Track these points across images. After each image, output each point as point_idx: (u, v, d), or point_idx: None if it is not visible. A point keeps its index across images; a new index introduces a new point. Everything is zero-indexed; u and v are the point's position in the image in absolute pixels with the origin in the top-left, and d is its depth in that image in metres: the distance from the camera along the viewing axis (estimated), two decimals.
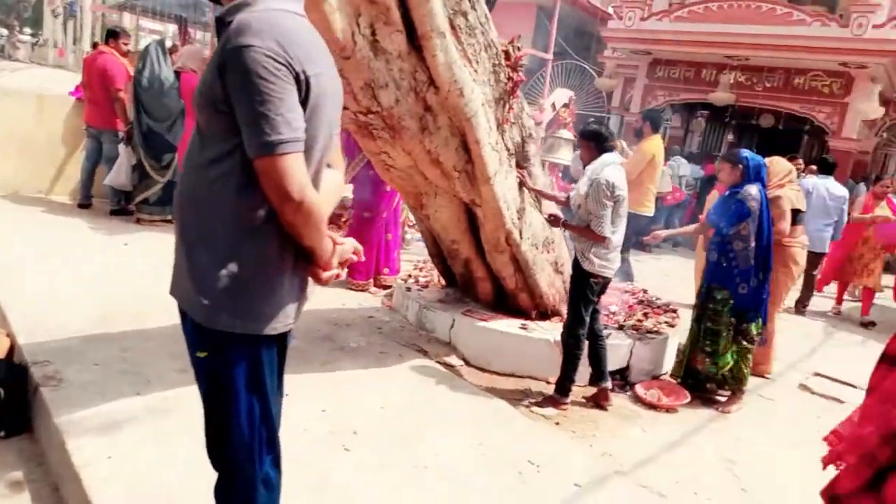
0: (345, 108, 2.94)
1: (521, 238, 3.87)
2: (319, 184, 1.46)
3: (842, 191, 6.53)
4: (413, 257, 5.86)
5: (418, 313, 4.24)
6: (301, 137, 1.29)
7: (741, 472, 3.03)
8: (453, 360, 3.76)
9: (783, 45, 10.63)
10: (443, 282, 4.62)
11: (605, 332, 3.66)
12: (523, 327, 3.91)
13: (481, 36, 3.31)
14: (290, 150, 1.26)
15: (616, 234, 3.39)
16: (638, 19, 11.82)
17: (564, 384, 3.43)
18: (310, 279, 1.53)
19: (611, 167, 3.34)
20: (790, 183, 4.33)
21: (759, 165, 3.85)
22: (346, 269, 1.73)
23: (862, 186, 11.84)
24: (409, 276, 4.91)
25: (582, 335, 3.41)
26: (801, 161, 8.01)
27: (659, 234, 4.55)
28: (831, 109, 11.21)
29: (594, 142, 3.47)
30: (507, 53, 3.60)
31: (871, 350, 5.42)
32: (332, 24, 2.47)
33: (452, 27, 3.06)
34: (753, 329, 3.83)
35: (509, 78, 3.63)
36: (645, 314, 4.54)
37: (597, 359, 3.52)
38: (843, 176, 10.79)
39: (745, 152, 3.91)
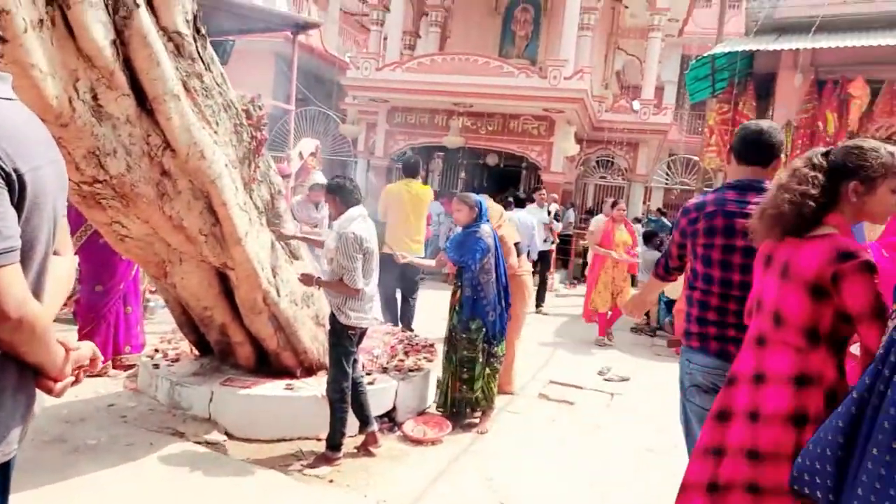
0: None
1: (280, 296, 3.81)
2: (44, 286, 1.31)
3: (530, 220, 7.83)
4: (160, 328, 5.37)
5: (170, 391, 3.86)
6: (15, 246, 1.14)
7: (498, 485, 3.32)
8: (215, 436, 3.50)
9: (498, 93, 12.15)
10: (196, 352, 4.28)
11: (366, 378, 3.77)
12: (289, 387, 3.83)
13: (219, 97, 3.24)
14: (1, 262, 1.12)
15: (369, 285, 3.53)
16: (373, 69, 12.53)
17: (335, 439, 3.44)
18: (39, 391, 1.34)
19: (358, 221, 3.47)
20: (505, 222, 4.97)
21: (486, 208, 4.39)
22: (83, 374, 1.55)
23: (571, 212, 14.01)
24: (156, 350, 4.44)
25: (346, 388, 3.45)
26: (544, 192, 9.72)
27: (406, 256, 4.71)
28: (541, 148, 13.08)
29: (339, 196, 3.57)
30: (248, 112, 3.56)
31: (593, 356, 6.43)
32: (43, 90, 2.21)
33: (187, 89, 2.94)
34: (500, 351, 4.31)
35: (253, 137, 3.60)
36: (406, 353, 4.78)
37: (359, 405, 3.59)
38: (558, 202, 12.64)
39: (478, 196, 4.40)
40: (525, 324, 5.22)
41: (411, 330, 5.83)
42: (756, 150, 2.41)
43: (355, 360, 3.59)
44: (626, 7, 16.68)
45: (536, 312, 7.95)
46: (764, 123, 2.46)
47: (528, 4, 15.19)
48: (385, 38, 14.78)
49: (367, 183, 13.18)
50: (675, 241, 2.58)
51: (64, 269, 1.44)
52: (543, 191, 9.99)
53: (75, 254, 4.39)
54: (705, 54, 8.91)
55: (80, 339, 4.16)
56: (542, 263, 9.07)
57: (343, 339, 3.44)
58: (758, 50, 7.96)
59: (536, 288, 8.23)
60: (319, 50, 15.24)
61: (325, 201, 3.89)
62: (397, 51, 13.78)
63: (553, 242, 9.78)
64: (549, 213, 9.67)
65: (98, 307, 4.37)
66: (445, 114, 13.19)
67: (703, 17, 19.97)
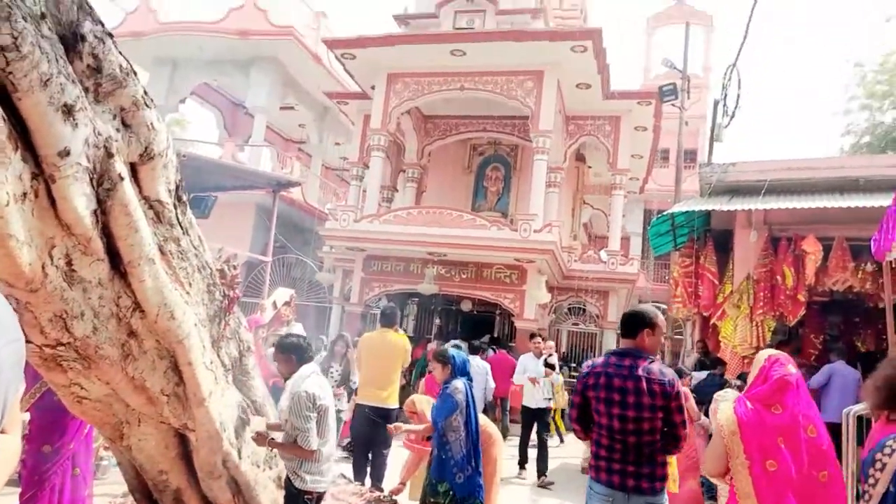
0: (28, 341, 2.61)
1: (241, 458, 3.64)
2: None
3: (482, 366, 8.57)
4: (112, 489, 5.02)
5: None
6: None
7: None
8: None
9: (471, 244, 12.61)
10: None
11: None
12: None
13: (195, 259, 3.31)
14: None
15: (326, 446, 3.40)
16: (352, 220, 13.01)
17: None
18: None
19: (311, 378, 3.42)
20: None
21: (465, 361, 4.33)
22: None
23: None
24: None
25: None
26: (539, 341, 9.21)
27: (399, 426, 4.64)
28: (513, 296, 13.33)
29: (294, 354, 3.53)
30: (222, 272, 3.64)
31: None
32: (17, 258, 2.25)
33: (163, 253, 3.01)
34: None
35: (225, 295, 3.64)
36: None
37: None
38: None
39: (452, 351, 4.38)
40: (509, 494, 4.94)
41: (381, 489, 5.54)
42: (627, 327, 3.32)
43: None
44: (590, 167, 17.94)
45: (539, 486, 7.43)
46: (639, 307, 3.39)
47: (498, 164, 16.26)
48: (364, 191, 15.53)
49: (342, 327, 13.13)
50: (576, 401, 3.35)
51: (9, 450, 1.40)
52: (539, 339, 9.17)
53: (27, 410, 4.20)
54: (665, 212, 9.46)
55: None
56: (539, 423, 8.06)
57: None
58: (713, 210, 8.49)
59: (536, 451, 7.86)
60: (300, 202, 15.87)
61: (275, 359, 3.83)
62: (375, 204, 14.41)
63: (551, 400, 8.54)
64: (546, 363, 8.56)
65: (44, 469, 4.10)
66: (420, 262, 13.53)
67: (662, 176, 21.48)
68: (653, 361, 3.20)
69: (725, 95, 10.54)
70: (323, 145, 19.93)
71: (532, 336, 9.59)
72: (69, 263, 2.56)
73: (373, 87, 14.29)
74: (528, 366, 8.44)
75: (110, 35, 2.61)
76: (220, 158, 13.53)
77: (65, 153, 2.25)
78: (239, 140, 18.55)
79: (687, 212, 8.76)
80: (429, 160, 16.82)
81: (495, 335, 15.00)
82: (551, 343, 9.87)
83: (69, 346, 2.71)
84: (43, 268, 2.42)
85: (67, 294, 2.57)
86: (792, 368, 3.35)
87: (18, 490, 4.19)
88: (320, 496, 3.40)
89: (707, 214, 9.12)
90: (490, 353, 10.88)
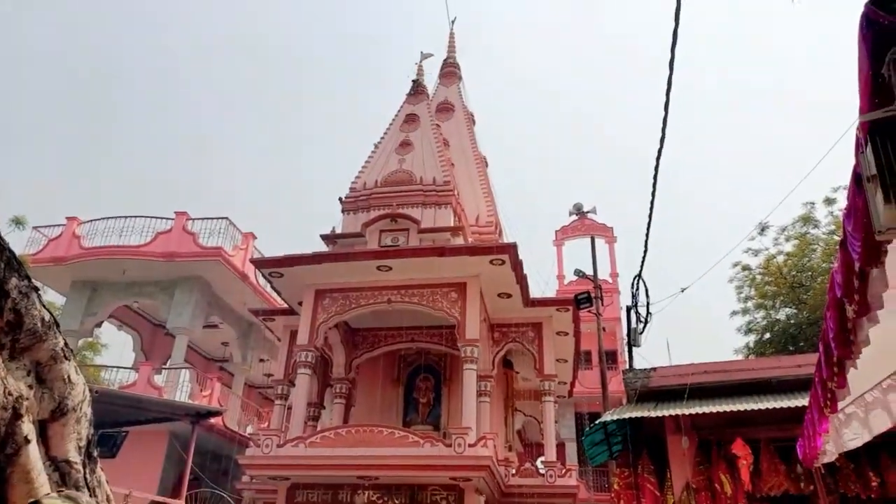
0: None
1: None
2: None
3: None
4: None
5: None
6: None
7: None
8: None
9: (405, 465, 11.93)
10: None
11: None
12: None
13: None
14: None
15: None
16: (275, 445, 12.19)
17: None
18: None
19: None
20: None
21: None
22: None
23: None
24: None
25: None
26: None
27: None
28: None
29: None
30: None
31: None
32: None
33: None
34: None
35: None
36: None
37: None
38: None
39: None
40: None
41: None
42: None
43: None
44: (518, 372, 18.13)
45: None
46: None
47: (428, 374, 16.17)
48: (289, 409, 14.82)
49: None
50: None
51: None
52: None
53: None
54: (597, 422, 9.47)
55: None
56: None
57: None
58: (641, 416, 8.58)
59: None
60: (219, 426, 14.88)
61: None
62: (301, 424, 13.70)
63: None
64: None
65: None
66: (350, 489, 12.57)
67: (588, 379, 21.91)
68: None
69: (636, 303, 11.30)
70: (247, 363, 19.35)
71: None
72: None
73: (300, 304, 14.40)
74: None
75: (36, 289, 2.56)
76: (135, 383, 12.78)
77: None
78: (157, 363, 17.77)
79: (616, 420, 8.81)
80: (357, 373, 16.52)
81: None
82: None
83: None
84: None
85: None
86: None
87: None
88: None
89: (639, 421, 9.19)
90: None
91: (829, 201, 20.99)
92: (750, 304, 23.47)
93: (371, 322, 15.64)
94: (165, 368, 16.50)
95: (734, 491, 7.73)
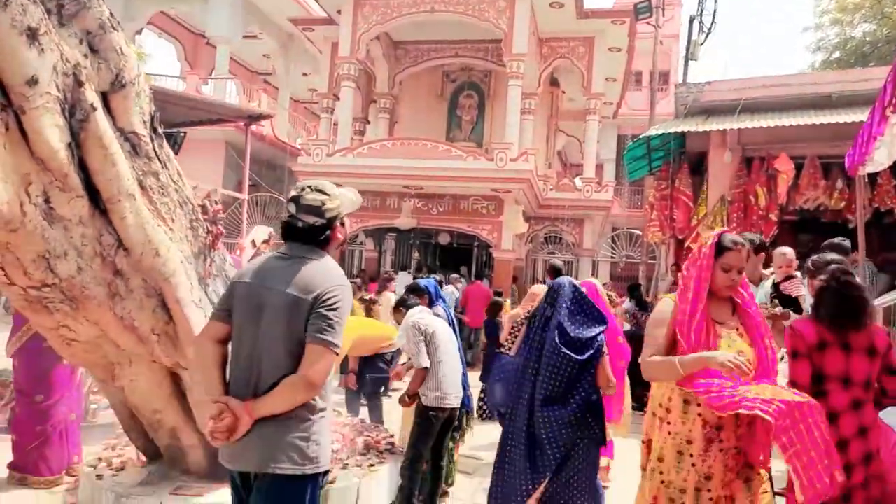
0: (12, 284, 2.54)
1: None
2: None
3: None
4: (103, 430, 5.03)
5: None
6: None
7: None
8: None
9: (447, 175, 12.49)
10: (143, 458, 4.03)
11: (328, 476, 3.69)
12: None
13: (175, 194, 3.21)
14: None
15: (441, 366, 3.71)
16: (325, 155, 12.74)
17: None
18: None
19: (416, 314, 3.87)
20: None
21: (436, 287, 4.55)
22: None
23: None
24: (99, 459, 4.15)
25: (418, 470, 3.61)
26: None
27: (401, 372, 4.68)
28: (491, 227, 13.36)
29: (402, 307, 4.08)
30: (203, 208, 3.54)
31: None
32: None
33: (143, 188, 2.91)
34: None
35: (208, 231, 3.56)
36: (366, 446, 4.59)
37: (432, 491, 3.77)
38: (507, 281, 12.81)
39: (424, 282, 4.51)
40: None
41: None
42: None
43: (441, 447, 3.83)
44: (564, 92, 17.69)
45: None
46: None
47: (472, 91, 15.92)
48: (335, 125, 15.14)
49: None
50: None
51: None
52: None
53: (11, 357, 4.13)
54: (640, 136, 9.43)
55: (28, 454, 3.87)
56: None
57: (424, 419, 3.69)
58: (688, 131, 8.48)
59: None
60: (270, 137, 15.43)
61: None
62: (348, 137, 14.10)
63: None
64: None
65: (44, 419, 4.09)
66: (397, 196, 13.40)
67: (636, 100, 21.31)
68: None
69: (702, 11, 10.35)
70: (290, 77, 19.23)
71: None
72: (48, 201, 2.46)
73: (339, 12, 13.70)
74: None
75: None
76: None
77: (33, 81, 2.12)
78: (202, 73, 17.79)
79: (662, 135, 8.75)
80: (401, 89, 16.39)
81: (473, 267, 15.14)
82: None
83: (55, 288, 2.63)
84: (21, 206, 2.32)
85: (48, 233, 2.48)
86: None
87: (9, 437, 4.20)
88: (448, 412, 3.70)
89: (682, 137, 9.13)
90: (463, 284, 10.93)
91: None
92: (826, 18, 21.39)
93: (414, 34, 14.93)
94: (212, 79, 16.56)
95: (768, 203, 7.95)
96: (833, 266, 2.95)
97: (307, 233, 2.09)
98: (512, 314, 5.68)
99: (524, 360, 3.32)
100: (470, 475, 4.96)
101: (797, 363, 2.69)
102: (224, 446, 1.99)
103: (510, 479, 3.10)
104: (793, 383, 2.64)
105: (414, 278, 9.44)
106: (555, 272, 6.60)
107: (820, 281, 2.86)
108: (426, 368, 3.68)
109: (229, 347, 2.14)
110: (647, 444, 2.63)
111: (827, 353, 2.66)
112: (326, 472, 2.08)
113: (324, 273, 2.04)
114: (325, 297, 1.96)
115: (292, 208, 2.11)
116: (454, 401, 3.77)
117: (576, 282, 3.45)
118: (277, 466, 1.91)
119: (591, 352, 3.18)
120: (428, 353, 3.70)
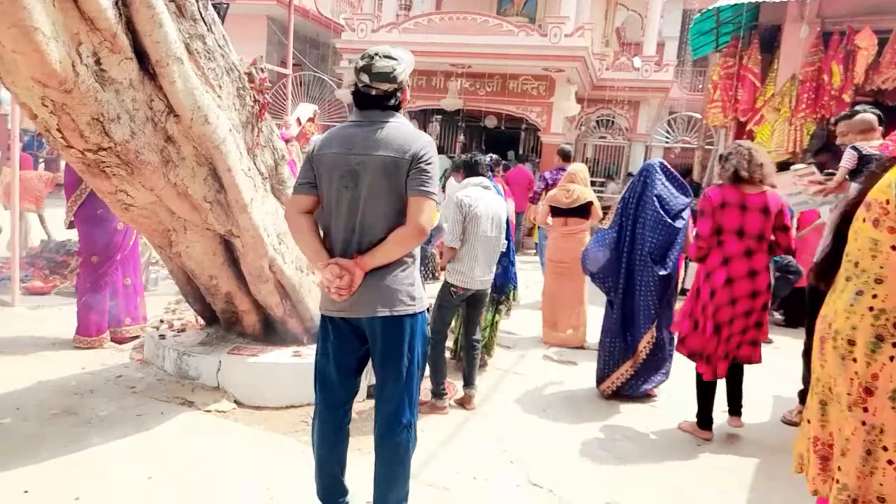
0: (70, 146, 2.60)
1: (285, 262, 3.78)
2: None
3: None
4: (163, 298, 5.35)
5: (177, 362, 3.85)
6: None
7: (509, 446, 3.33)
8: (224, 405, 3.51)
9: (497, 53, 11.93)
10: (202, 322, 4.27)
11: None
12: (297, 354, 3.81)
13: (222, 59, 3.16)
14: None
15: (469, 250, 3.66)
16: (370, 31, 12.27)
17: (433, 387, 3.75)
18: None
19: (467, 189, 3.78)
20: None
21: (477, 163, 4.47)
22: None
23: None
24: (161, 321, 4.41)
25: (439, 335, 3.71)
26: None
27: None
28: (540, 109, 12.89)
29: (464, 169, 3.96)
30: (250, 76, 3.49)
31: None
32: (46, 55, 2.15)
33: (190, 52, 2.87)
34: (510, 298, 4.67)
35: (255, 101, 3.53)
36: None
37: (469, 366, 3.87)
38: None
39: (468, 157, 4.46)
40: None
41: None
42: None
43: (472, 322, 3.92)
44: None
45: None
46: None
47: None
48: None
49: None
50: None
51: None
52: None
53: (71, 221, 4.34)
54: (710, 7, 8.70)
55: (79, 311, 4.16)
56: None
57: (445, 293, 3.76)
58: (764, 1, 7.77)
59: None
60: (313, 13, 14.90)
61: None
62: (393, 12, 13.49)
63: None
64: None
65: (95, 278, 4.34)
66: (443, 75, 12.96)
67: None
68: None
69: None
70: None
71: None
72: (98, 62, 2.45)
73: None
74: None
75: None
76: None
77: None
78: None
79: (734, 6, 8.04)
80: None
81: (520, 151, 14.81)
82: None
83: (110, 151, 2.69)
84: (73, 66, 2.32)
85: (101, 95, 2.50)
86: None
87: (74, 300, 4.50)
88: (469, 294, 3.74)
89: (755, 9, 8.38)
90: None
91: None
92: None
93: None
94: None
95: (843, 82, 7.36)
96: (737, 141, 3.62)
97: (381, 99, 2.17)
98: (550, 195, 5.58)
99: (617, 230, 4.04)
100: (510, 349, 5.13)
101: (702, 219, 3.37)
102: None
103: (614, 329, 4.03)
104: (697, 236, 3.41)
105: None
106: (564, 155, 6.98)
107: (726, 150, 3.48)
108: (454, 248, 3.66)
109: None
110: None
111: (726, 211, 3.32)
112: (428, 309, 2.36)
113: (411, 133, 2.17)
114: (420, 155, 2.11)
115: (365, 78, 2.14)
116: (478, 284, 3.73)
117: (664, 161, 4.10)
118: (395, 309, 2.16)
119: (684, 221, 3.95)
120: (464, 233, 3.65)
